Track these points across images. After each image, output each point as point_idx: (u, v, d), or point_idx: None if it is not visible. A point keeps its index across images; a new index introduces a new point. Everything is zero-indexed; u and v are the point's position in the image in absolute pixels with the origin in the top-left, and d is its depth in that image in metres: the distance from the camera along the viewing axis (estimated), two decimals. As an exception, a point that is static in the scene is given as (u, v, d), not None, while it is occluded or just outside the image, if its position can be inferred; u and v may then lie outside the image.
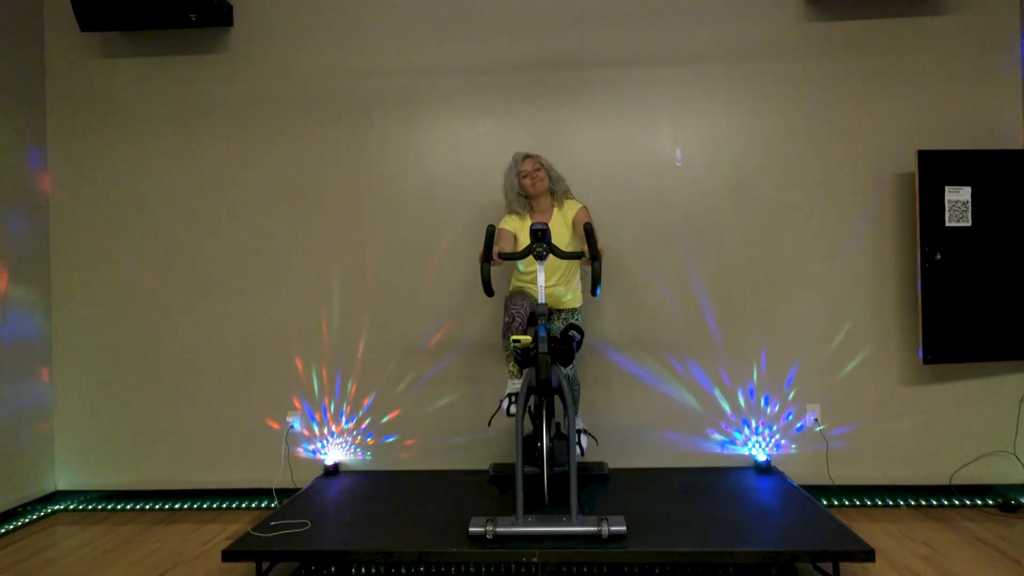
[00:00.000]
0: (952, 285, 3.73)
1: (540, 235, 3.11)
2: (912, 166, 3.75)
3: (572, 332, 3.23)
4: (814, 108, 3.94)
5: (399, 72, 4.08)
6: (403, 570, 3.07)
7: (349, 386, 4.07)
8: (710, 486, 3.57)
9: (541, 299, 3.14)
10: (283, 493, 3.96)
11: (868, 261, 3.92)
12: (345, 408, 4.07)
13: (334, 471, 3.98)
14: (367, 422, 4.06)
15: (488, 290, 3.20)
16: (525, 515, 2.90)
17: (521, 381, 3.22)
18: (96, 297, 4.14)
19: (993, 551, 3.19)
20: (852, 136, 3.92)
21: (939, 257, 3.72)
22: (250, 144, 4.12)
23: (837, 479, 3.87)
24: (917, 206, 3.73)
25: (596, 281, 3.12)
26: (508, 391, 3.52)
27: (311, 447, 4.08)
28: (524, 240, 3.47)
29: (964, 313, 3.73)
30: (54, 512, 4.04)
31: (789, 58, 3.94)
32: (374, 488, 3.68)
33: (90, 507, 4.09)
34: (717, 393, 3.96)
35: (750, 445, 3.93)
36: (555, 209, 3.56)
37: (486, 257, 3.14)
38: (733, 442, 3.96)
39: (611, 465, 3.85)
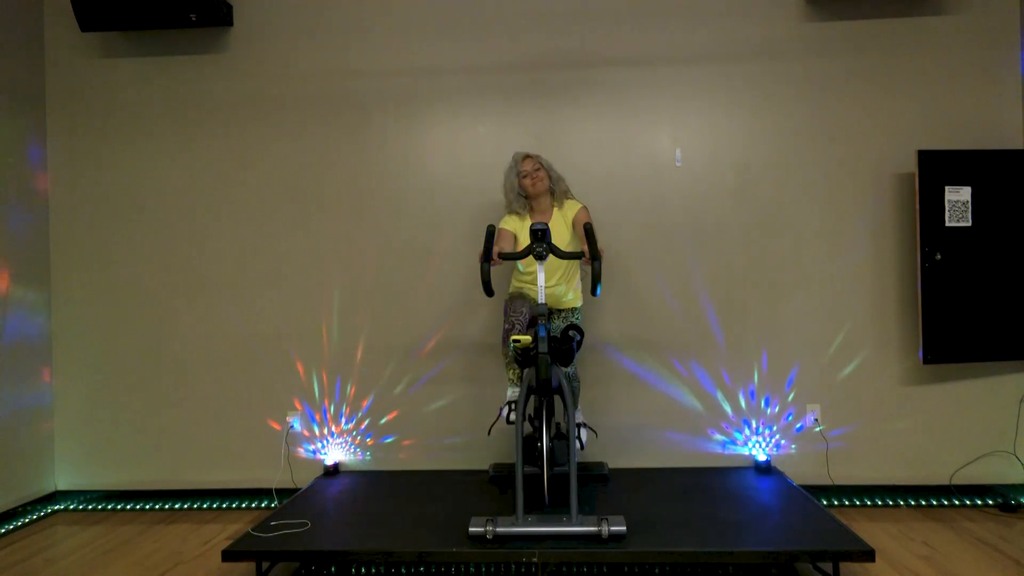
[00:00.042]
0: (952, 285, 3.73)
1: (540, 235, 3.10)
2: (912, 166, 3.75)
3: (572, 332, 3.23)
4: (814, 108, 3.94)
5: (399, 72, 4.08)
6: (403, 570, 3.07)
7: (348, 388, 4.07)
8: (710, 486, 3.57)
9: (541, 299, 3.14)
10: (283, 493, 3.96)
11: (868, 261, 3.92)
12: (345, 409, 4.07)
13: (334, 471, 3.98)
14: (366, 423, 4.07)
15: (488, 290, 3.19)
16: (525, 515, 2.90)
17: (520, 389, 3.22)
18: (96, 297, 4.14)
19: (993, 551, 3.19)
20: (852, 136, 3.92)
21: (939, 257, 3.72)
22: (250, 144, 4.12)
23: (837, 479, 3.87)
24: (917, 206, 3.73)
25: (596, 281, 3.12)
26: (508, 399, 3.52)
27: (311, 447, 4.08)
28: (524, 240, 3.46)
29: (964, 313, 3.73)
30: (54, 512, 4.04)
31: (789, 58, 3.94)
32: (374, 488, 3.68)
33: (90, 507, 4.09)
34: (719, 395, 3.96)
35: (750, 445, 3.93)
36: (555, 209, 3.55)
37: (486, 257, 3.14)
38: (733, 442, 3.96)
39: (611, 465, 3.85)
